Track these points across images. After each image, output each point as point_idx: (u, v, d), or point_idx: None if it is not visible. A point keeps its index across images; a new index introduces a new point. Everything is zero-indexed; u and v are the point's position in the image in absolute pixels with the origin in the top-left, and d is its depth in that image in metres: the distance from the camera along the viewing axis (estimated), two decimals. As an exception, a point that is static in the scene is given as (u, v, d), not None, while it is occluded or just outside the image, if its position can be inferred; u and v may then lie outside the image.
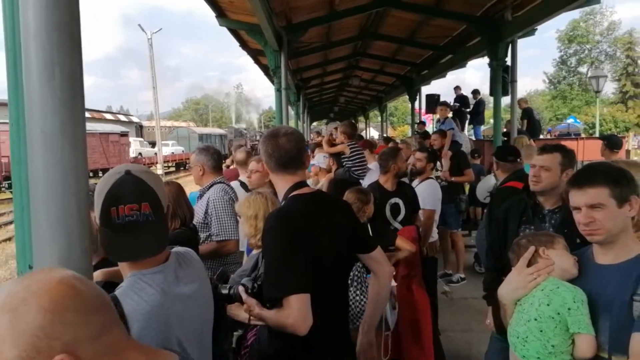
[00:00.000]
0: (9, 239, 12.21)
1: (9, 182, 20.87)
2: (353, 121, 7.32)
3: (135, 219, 1.27)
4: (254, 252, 2.56)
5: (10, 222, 14.72)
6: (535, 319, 1.68)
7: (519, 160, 4.13)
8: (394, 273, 3.19)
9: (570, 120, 33.73)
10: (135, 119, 47.68)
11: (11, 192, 21.52)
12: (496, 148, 5.90)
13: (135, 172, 1.33)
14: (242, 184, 4.31)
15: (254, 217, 2.53)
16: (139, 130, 43.11)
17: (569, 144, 13.16)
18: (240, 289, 1.92)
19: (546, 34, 73.45)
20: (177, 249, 1.50)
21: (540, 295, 1.71)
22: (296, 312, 1.74)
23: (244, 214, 2.59)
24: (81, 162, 0.99)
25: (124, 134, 29.53)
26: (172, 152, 35.31)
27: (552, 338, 1.64)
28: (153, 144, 35.50)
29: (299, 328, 1.74)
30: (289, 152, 1.95)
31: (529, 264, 1.79)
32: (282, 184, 1.99)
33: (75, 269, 0.99)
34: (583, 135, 20.02)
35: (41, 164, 0.95)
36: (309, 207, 1.92)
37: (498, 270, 2.54)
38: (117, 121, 39.07)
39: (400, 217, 3.91)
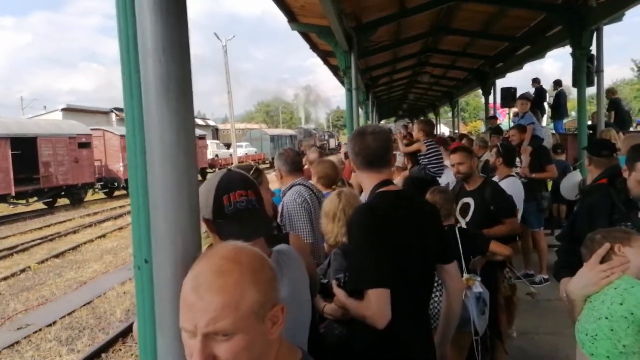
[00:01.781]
0: (103, 236, 13.28)
1: (102, 183, 22.65)
2: (430, 120, 7.19)
3: (245, 204, 1.41)
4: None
5: (104, 221, 15.97)
6: (607, 318, 1.62)
7: (615, 155, 3.84)
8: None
9: (663, 111, 30.84)
10: (211, 123, 49.86)
11: (104, 192, 23.35)
12: (589, 142, 5.55)
13: (235, 170, 1.53)
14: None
15: (330, 215, 2.61)
16: (215, 133, 45.05)
17: (664, 136, 12.09)
18: (334, 282, 2.03)
19: (634, 19, 67.43)
20: (279, 247, 1.59)
21: (613, 293, 1.65)
22: (374, 306, 1.79)
23: (322, 213, 2.67)
24: (193, 167, 1.09)
25: (202, 137, 30.98)
26: (246, 153, 36.55)
27: (623, 338, 1.57)
28: (228, 146, 36.94)
29: (377, 321, 1.80)
30: (375, 151, 2.00)
31: (603, 261, 1.72)
32: (368, 181, 2.03)
33: (189, 263, 1.10)
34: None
35: (159, 169, 1.05)
36: (394, 204, 1.96)
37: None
38: (196, 125, 41.06)
39: (468, 218, 3.79)
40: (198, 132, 31.65)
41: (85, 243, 12.47)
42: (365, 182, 2.05)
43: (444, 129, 37.45)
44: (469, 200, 3.89)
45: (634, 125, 28.13)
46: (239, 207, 1.40)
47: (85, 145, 21.30)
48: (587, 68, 8.03)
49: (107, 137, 23.26)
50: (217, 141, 39.70)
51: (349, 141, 2.09)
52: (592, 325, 1.66)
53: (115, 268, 9.97)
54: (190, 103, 1.08)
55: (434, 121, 32.42)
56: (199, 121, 45.58)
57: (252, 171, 2.45)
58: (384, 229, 1.85)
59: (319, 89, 79.89)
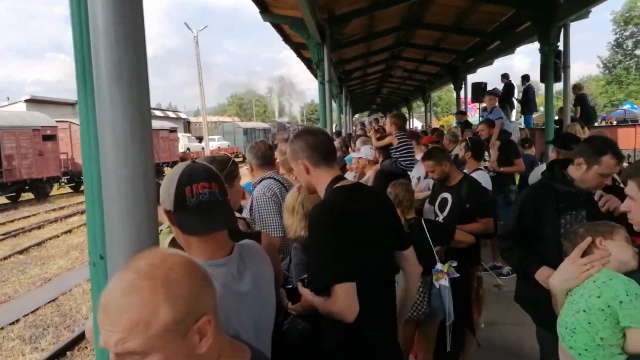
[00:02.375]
0: (69, 231, 12.92)
1: (68, 177, 22.03)
2: (402, 113, 7.23)
3: (208, 196, 1.38)
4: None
5: (70, 216, 15.54)
6: (584, 311, 1.64)
7: None
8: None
9: (626, 107, 31.93)
10: (183, 115, 49.06)
11: (70, 186, 22.74)
12: (556, 136, 5.67)
13: (200, 162, 1.49)
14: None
15: (290, 209, 2.60)
16: (187, 125, 44.35)
17: (624, 131, 12.56)
18: (299, 283, 2.02)
19: (600, 16, 69.31)
20: (244, 241, 1.56)
21: (592, 286, 1.66)
22: (341, 300, 1.80)
23: (284, 207, 2.66)
24: (149, 158, 1.05)
25: (173, 130, 30.43)
26: (219, 147, 36.12)
27: (600, 330, 1.59)
28: (200, 139, 36.44)
29: (346, 316, 1.80)
30: (328, 147, 2.06)
31: (584, 255, 1.75)
32: (324, 179, 2.02)
33: None
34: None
35: (112, 160, 1.00)
36: (350, 198, 1.96)
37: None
38: (166, 117, 40.34)
39: (445, 213, 3.81)
40: (169, 124, 31.14)
41: (50, 239, 12.10)
42: (321, 180, 2.04)
43: (416, 124, 37.86)
44: (447, 195, 3.91)
45: (599, 120, 29.11)
46: (202, 199, 1.36)
47: (50, 137, 20.61)
48: (554, 64, 8.21)
49: (74, 130, 22.56)
50: (189, 134, 39.08)
51: (297, 142, 2.06)
52: (571, 319, 1.68)
53: (81, 264, 9.70)
54: (145, 91, 1.03)
55: (407, 115, 32.84)
56: (170, 114, 44.87)
57: (229, 163, 2.38)
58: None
59: (293, 81, 79.57)
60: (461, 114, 13.91)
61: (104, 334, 0.87)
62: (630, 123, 16.97)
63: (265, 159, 3.48)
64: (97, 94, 1.02)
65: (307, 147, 2.03)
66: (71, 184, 22.87)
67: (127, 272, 0.90)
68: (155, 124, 29.19)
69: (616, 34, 51.23)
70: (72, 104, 33.24)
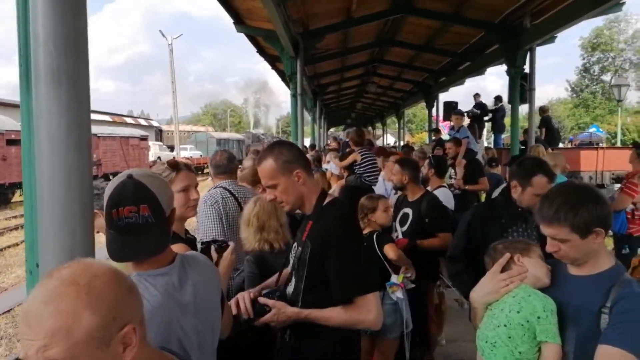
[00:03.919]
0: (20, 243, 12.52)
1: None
2: (361, 128, 7.38)
3: (134, 220, 1.32)
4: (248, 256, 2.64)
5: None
6: (505, 325, 1.69)
7: None
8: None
9: (592, 129, 33.10)
10: (155, 123, 48.35)
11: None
12: (511, 157, 5.84)
13: (137, 176, 1.38)
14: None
15: (245, 222, 2.63)
16: (159, 134, 43.71)
17: (587, 153, 12.99)
18: (262, 299, 1.95)
19: (570, 42, 72.30)
20: (186, 252, 1.54)
21: (512, 301, 1.72)
22: (376, 309, 1.86)
23: (241, 221, 2.67)
24: (85, 164, 1.04)
25: (144, 138, 29.94)
26: (190, 156, 35.71)
27: (519, 345, 1.65)
28: (172, 148, 35.96)
29: (378, 323, 1.88)
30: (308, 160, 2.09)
31: (504, 270, 1.80)
32: (316, 190, 2.04)
33: None
34: (604, 145, 19.63)
35: (47, 165, 0.99)
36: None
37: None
38: (138, 125, 39.71)
39: (405, 228, 3.86)
40: (140, 132, 30.64)
41: (9, 247, 11.67)
42: (313, 191, 2.02)
43: (390, 139, 38.29)
44: (409, 210, 3.97)
45: (565, 142, 30.06)
46: (127, 223, 1.31)
47: (15, 142, 19.95)
48: (521, 86, 8.47)
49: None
50: (160, 143, 38.54)
51: (285, 152, 1.98)
52: (492, 333, 1.73)
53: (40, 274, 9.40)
54: (85, 98, 1.03)
55: (382, 131, 33.26)
56: (141, 121, 44.19)
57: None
58: (362, 236, 1.96)
59: (269, 93, 79.54)
60: (436, 131, 14.20)
61: (24, 345, 0.84)
62: (594, 146, 17.59)
63: (220, 168, 3.46)
64: (35, 99, 1.01)
65: (299, 156, 2.00)
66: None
67: (49, 280, 0.88)
68: (125, 131, 28.71)
69: (584, 59, 53.34)
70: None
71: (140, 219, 1.32)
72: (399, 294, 3.20)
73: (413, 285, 3.33)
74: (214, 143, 39.50)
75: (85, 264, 0.91)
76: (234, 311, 1.93)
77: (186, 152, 35.66)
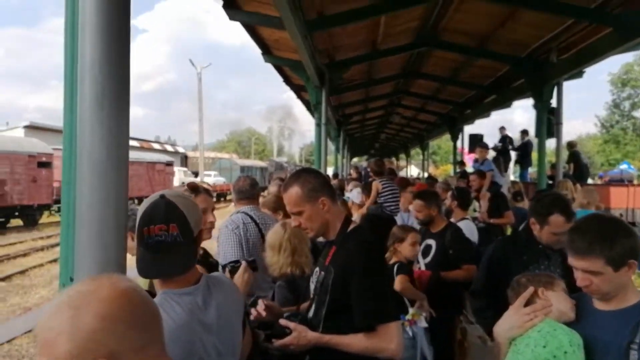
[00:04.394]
0: (54, 261, 12.74)
1: (59, 205, 21.89)
2: (381, 158, 7.46)
3: (164, 239, 1.36)
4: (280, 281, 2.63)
5: (58, 245, 15.34)
6: None
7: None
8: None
9: (623, 166, 32.31)
10: (181, 149, 49.37)
11: (61, 215, 22.55)
12: (536, 192, 5.76)
13: (169, 196, 1.43)
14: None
15: (276, 247, 2.62)
16: (184, 160, 44.55)
17: (617, 190, 12.65)
18: (283, 321, 1.95)
19: (599, 77, 71.81)
20: (212, 274, 1.58)
21: (537, 336, 1.68)
22: (397, 338, 1.85)
23: (267, 246, 2.68)
24: (122, 185, 1.09)
25: (170, 164, 30.57)
26: (214, 183, 36.19)
27: None
28: (196, 174, 36.54)
29: (398, 353, 1.86)
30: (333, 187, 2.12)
31: (527, 304, 1.77)
32: (341, 216, 2.07)
33: None
34: (635, 182, 19.09)
35: (87, 184, 1.05)
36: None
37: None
38: (164, 151, 40.60)
39: (428, 259, 3.82)
40: (166, 158, 31.32)
41: (34, 267, 11.90)
42: (338, 217, 2.05)
43: (414, 171, 38.16)
44: (432, 242, 3.94)
45: (595, 178, 29.38)
46: (157, 241, 1.36)
47: (46, 164, 20.59)
48: (548, 120, 8.41)
49: (71, 157, 22.64)
50: (185, 169, 39.23)
51: (312, 179, 2.02)
52: None
53: (65, 293, 9.52)
54: (125, 121, 1.09)
55: (405, 162, 33.22)
56: (168, 147, 45.15)
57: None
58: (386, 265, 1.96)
59: (293, 122, 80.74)
60: (461, 164, 14.13)
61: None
62: (625, 182, 17.11)
63: (242, 193, 3.51)
64: (79, 121, 1.07)
65: (325, 184, 2.05)
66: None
67: (67, 293, 0.90)
68: (152, 156, 29.37)
69: (613, 94, 52.63)
70: (72, 132, 33.38)
71: (169, 237, 1.37)
72: (415, 329, 3.14)
73: (425, 325, 3.26)
74: (238, 170, 40.01)
75: (96, 285, 0.90)
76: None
77: (210, 179, 36.16)
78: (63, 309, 0.86)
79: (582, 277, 1.64)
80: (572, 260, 1.67)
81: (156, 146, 42.05)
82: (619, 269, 1.59)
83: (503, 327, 1.80)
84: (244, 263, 2.14)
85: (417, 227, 4.11)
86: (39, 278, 11.00)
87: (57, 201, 21.69)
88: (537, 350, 1.65)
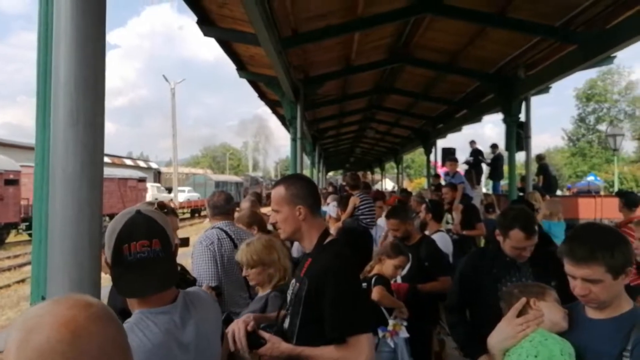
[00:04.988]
0: (22, 281, 12.31)
1: (27, 224, 21.21)
2: (356, 172, 7.58)
3: (147, 255, 1.34)
4: (260, 294, 2.61)
5: (26, 264, 14.86)
6: None
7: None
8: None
9: (590, 178, 33.37)
10: (154, 165, 48.62)
11: (28, 234, 21.85)
12: (510, 203, 5.89)
13: (145, 212, 1.42)
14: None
15: (260, 262, 2.61)
16: (157, 176, 43.88)
17: (585, 201, 13.02)
18: (261, 331, 1.99)
19: (565, 92, 74.26)
20: (189, 289, 1.55)
21: (528, 346, 1.70)
22: (368, 350, 1.85)
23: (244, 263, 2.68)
24: (97, 201, 1.08)
25: (142, 180, 30.03)
26: (188, 199, 35.69)
27: None
28: (170, 190, 36.01)
29: None
30: (319, 197, 2.15)
31: (520, 315, 1.79)
32: (318, 228, 2.10)
33: None
34: (602, 193, 19.75)
35: (60, 200, 1.03)
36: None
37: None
38: (136, 167, 39.90)
39: (404, 272, 3.83)
40: (138, 174, 30.78)
41: (1, 288, 11.49)
42: (314, 229, 2.08)
43: (389, 184, 38.50)
44: None
45: (564, 190, 30.19)
46: (140, 258, 1.33)
47: (13, 182, 19.93)
48: (517, 134, 8.65)
49: (41, 174, 22.00)
50: (159, 184, 38.62)
51: (297, 185, 2.08)
52: None
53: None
54: (99, 138, 1.08)
55: (380, 176, 33.53)
56: (140, 163, 44.43)
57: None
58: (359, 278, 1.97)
59: (268, 137, 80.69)
60: (435, 177, 14.34)
61: None
62: (592, 194, 17.64)
63: (217, 209, 3.51)
64: (53, 137, 1.06)
65: (309, 194, 2.08)
66: (29, 231, 21.91)
67: (30, 309, 0.87)
68: (124, 172, 28.83)
69: (579, 109, 54.50)
70: (41, 148, 32.46)
71: (152, 253, 1.35)
72: (396, 340, 3.16)
73: (407, 335, 3.28)
74: (213, 185, 39.58)
75: (52, 310, 0.83)
76: (231, 346, 1.92)
77: (184, 194, 35.70)
78: (16, 329, 0.82)
79: (582, 286, 1.64)
80: (571, 269, 1.66)
81: (128, 162, 41.30)
82: (618, 277, 1.61)
83: (496, 338, 1.82)
84: (204, 287, 2.15)
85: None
86: (6, 299, 10.60)
87: (25, 219, 21.04)
88: None
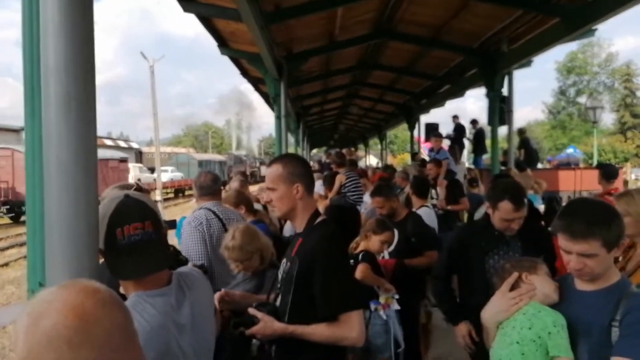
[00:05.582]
0: (6, 265, 12.17)
1: (7, 207, 20.83)
2: (341, 150, 7.63)
3: (141, 237, 1.35)
4: (241, 275, 2.69)
5: (7, 248, 14.67)
6: (518, 342, 1.72)
7: None
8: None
9: (570, 150, 33.88)
10: (135, 145, 47.91)
11: (9, 217, 21.48)
12: (493, 177, 6.00)
13: (133, 195, 1.43)
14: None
15: (250, 253, 2.69)
16: (139, 156, 43.30)
17: (565, 173, 13.29)
18: (251, 310, 2.02)
19: (546, 65, 74.75)
20: (182, 268, 1.56)
21: (522, 319, 1.76)
22: (359, 326, 1.90)
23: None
24: (92, 187, 1.08)
25: (123, 160, 29.55)
26: (172, 179, 35.35)
27: None
28: (152, 170, 35.60)
29: (360, 341, 1.92)
30: (313, 178, 2.19)
31: (512, 289, 1.85)
32: (312, 207, 2.13)
33: None
34: (582, 165, 20.13)
35: (56, 188, 1.03)
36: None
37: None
38: (117, 147, 39.18)
39: (392, 248, 3.89)
40: (119, 154, 30.24)
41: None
42: (308, 208, 2.10)
43: (373, 160, 38.64)
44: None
45: (544, 162, 30.68)
46: (134, 241, 1.33)
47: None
48: (500, 108, 8.72)
49: (16, 157, 21.36)
50: (141, 165, 38.12)
51: (295, 164, 2.10)
52: (505, 351, 1.76)
53: (18, 299, 9.15)
54: (92, 123, 1.07)
55: (364, 152, 33.60)
56: (121, 143, 43.71)
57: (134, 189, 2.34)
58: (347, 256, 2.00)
59: (251, 115, 79.82)
60: (415, 154, 14.49)
61: None
62: (572, 166, 17.97)
63: (204, 189, 3.50)
64: (45, 124, 1.05)
65: (306, 174, 2.11)
66: (11, 214, 21.52)
67: (33, 297, 0.87)
68: (105, 153, 28.26)
69: (559, 82, 55.08)
70: (16, 131, 31.74)
71: (146, 235, 1.35)
72: (387, 313, 3.24)
73: (398, 307, 3.36)
74: (196, 165, 39.26)
75: (60, 296, 0.84)
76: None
77: (167, 174, 35.33)
78: (25, 314, 0.83)
79: (577, 260, 1.66)
80: (567, 245, 1.68)
81: (108, 142, 40.57)
82: (611, 250, 1.65)
83: (490, 312, 1.87)
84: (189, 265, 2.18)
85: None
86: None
87: (5, 203, 20.66)
88: (523, 332, 1.72)
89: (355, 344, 1.92)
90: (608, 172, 5.37)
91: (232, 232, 2.78)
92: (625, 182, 18.24)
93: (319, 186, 5.23)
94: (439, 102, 14.18)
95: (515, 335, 1.74)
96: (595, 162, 21.04)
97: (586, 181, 12.30)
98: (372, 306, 3.24)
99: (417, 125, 16.71)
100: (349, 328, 1.88)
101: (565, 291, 1.82)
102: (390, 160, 35.01)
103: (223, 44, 7.90)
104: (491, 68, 8.53)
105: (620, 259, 2.43)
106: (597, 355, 1.64)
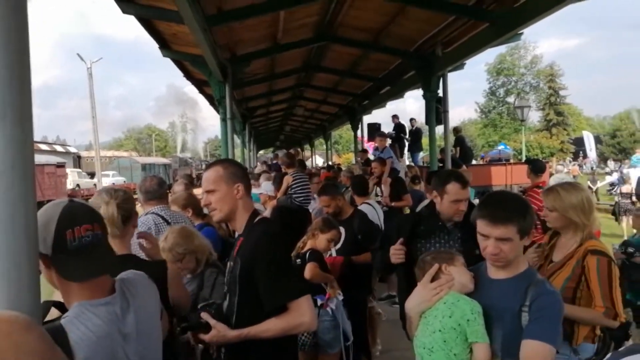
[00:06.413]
0: None
1: None
2: (291, 151, 7.71)
3: (91, 239, 1.35)
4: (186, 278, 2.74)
5: None
6: (440, 330, 1.84)
7: None
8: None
9: (501, 147, 35.77)
10: (72, 149, 45.62)
11: None
12: (428, 174, 6.24)
13: (77, 200, 1.44)
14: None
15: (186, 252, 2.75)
16: (77, 160, 41.23)
17: (497, 169, 14.03)
18: (204, 315, 1.99)
19: (477, 67, 78.45)
20: (125, 274, 1.54)
21: (443, 308, 1.88)
22: (310, 311, 1.95)
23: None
24: (31, 197, 1.06)
25: (61, 165, 28.09)
26: (113, 183, 34.00)
27: (454, 347, 1.81)
28: (92, 175, 34.08)
29: (313, 325, 1.97)
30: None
31: (433, 280, 1.96)
32: (250, 208, 2.17)
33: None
34: (512, 161, 21.29)
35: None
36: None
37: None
38: (53, 152, 37.18)
39: (339, 246, 3.97)
40: (56, 159, 28.75)
41: None
42: (247, 208, 2.15)
43: (319, 160, 38.91)
44: (341, 229, 4.11)
45: (478, 159, 32.08)
46: (84, 242, 1.33)
47: None
48: (436, 109, 9.09)
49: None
50: (79, 170, 36.39)
51: (235, 166, 2.19)
52: (428, 339, 1.87)
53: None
54: (29, 130, 1.06)
55: (310, 152, 33.77)
56: (58, 147, 41.53)
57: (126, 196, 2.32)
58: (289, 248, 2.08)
59: (196, 116, 78.13)
60: (363, 152, 14.77)
61: None
62: (503, 162, 19.01)
63: (149, 194, 3.45)
64: (-21, 132, 1.03)
65: (245, 175, 2.16)
66: None
67: None
68: (40, 158, 26.79)
69: (490, 83, 57.92)
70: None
71: (95, 237, 1.36)
72: (332, 306, 3.33)
73: (341, 297, 3.47)
74: (139, 168, 37.95)
75: None
76: None
77: (108, 179, 33.95)
78: None
79: (494, 245, 1.82)
80: (486, 229, 1.83)
81: (44, 147, 38.32)
82: (523, 238, 1.83)
83: (413, 302, 1.97)
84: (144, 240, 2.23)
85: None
86: None
87: None
88: (444, 320, 1.84)
89: (310, 328, 1.99)
90: (536, 166, 5.68)
91: (166, 234, 2.80)
92: (551, 175, 19.50)
93: (267, 186, 5.27)
94: (380, 103, 14.56)
95: (437, 323, 1.85)
96: (524, 158, 22.29)
97: (516, 175, 13.06)
98: (319, 301, 3.32)
99: (360, 126, 17.07)
100: (301, 314, 1.93)
101: (479, 280, 1.96)
102: (335, 159, 35.44)
103: (165, 46, 7.74)
104: (427, 70, 8.89)
105: (547, 247, 2.65)
106: (510, 338, 1.78)
